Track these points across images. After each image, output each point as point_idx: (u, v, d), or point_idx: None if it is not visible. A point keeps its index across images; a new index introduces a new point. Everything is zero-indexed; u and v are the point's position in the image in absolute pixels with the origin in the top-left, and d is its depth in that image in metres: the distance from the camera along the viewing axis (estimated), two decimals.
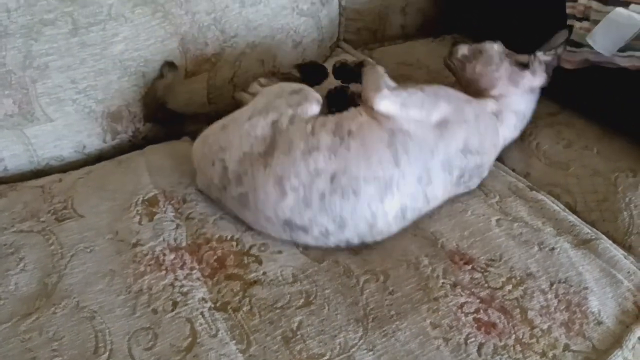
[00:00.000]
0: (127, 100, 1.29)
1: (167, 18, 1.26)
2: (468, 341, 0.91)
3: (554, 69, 1.23)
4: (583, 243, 1.06)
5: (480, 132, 1.09)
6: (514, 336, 0.92)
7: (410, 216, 1.05)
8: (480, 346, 0.91)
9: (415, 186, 1.03)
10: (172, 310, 0.94)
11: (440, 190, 1.06)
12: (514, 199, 1.13)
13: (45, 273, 1.00)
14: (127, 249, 1.03)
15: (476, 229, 1.07)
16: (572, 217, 1.11)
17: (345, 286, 0.98)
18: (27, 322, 0.93)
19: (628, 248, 1.08)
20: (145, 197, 1.12)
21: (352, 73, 1.22)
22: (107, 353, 0.89)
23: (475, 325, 0.93)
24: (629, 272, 1.02)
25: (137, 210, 1.09)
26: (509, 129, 1.19)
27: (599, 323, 0.95)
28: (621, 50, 1.18)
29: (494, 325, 0.93)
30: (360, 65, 1.19)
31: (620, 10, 1.17)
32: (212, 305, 0.95)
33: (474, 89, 1.20)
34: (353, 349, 0.90)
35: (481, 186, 1.15)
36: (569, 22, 1.26)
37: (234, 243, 1.05)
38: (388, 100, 1.06)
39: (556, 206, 1.12)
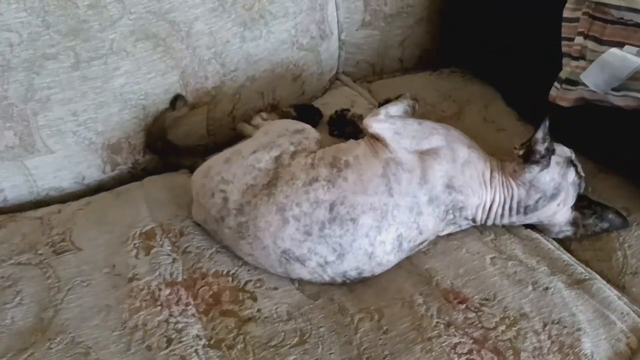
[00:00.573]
0: (127, 133, 1.30)
1: (168, 52, 1.27)
2: None
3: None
4: (577, 283, 1.06)
5: (465, 177, 1.08)
6: None
7: (406, 246, 1.06)
8: None
9: (408, 215, 1.04)
10: (167, 348, 0.95)
11: (430, 222, 1.06)
12: (509, 237, 1.14)
13: (41, 307, 1.01)
14: (124, 283, 1.04)
15: (471, 267, 1.08)
16: (566, 256, 1.11)
17: (339, 324, 0.99)
18: (23, 357, 0.94)
19: (622, 288, 1.08)
20: (143, 230, 1.13)
21: None
22: None
23: None
24: (622, 313, 1.02)
25: (135, 244, 1.10)
26: (498, 205, 1.12)
27: None
28: (615, 89, 1.19)
29: None
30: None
31: (614, 50, 1.19)
32: (207, 343, 0.96)
33: None
34: None
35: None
36: (564, 60, 1.28)
37: (230, 278, 1.05)
38: (381, 125, 1.10)
39: (550, 244, 1.13)
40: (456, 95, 1.52)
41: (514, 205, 1.10)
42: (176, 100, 1.31)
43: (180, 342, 0.95)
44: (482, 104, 1.47)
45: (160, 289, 1.03)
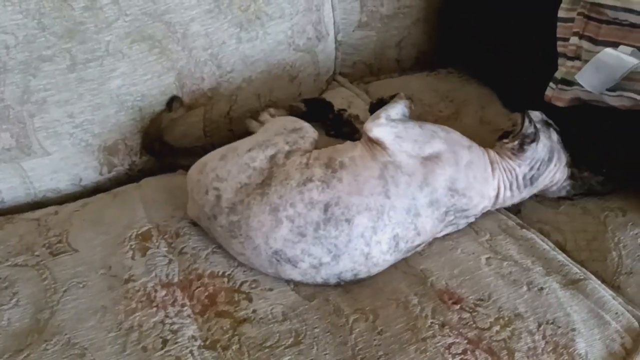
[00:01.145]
0: (124, 134, 1.31)
1: (164, 54, 1.28)
2: None
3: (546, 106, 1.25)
4: (572, 283, 1.06)
5: (469, 178, 1.09)
6: None
7: (403, 246, 1.06)
8: None
9: (405, 216, 1.04)
10: (162, 349, 0.95)
11: (428, 224, 1.07)
12: (504, 237, 1.14)
13: (38, 308, 1.01)
14: (120, 284, 1.04)
15: (466, 267, 1.08)
16: (562, 257, 1.11)
17: (334, 325, 0.99)
18: (19, 358, 0.94)
19: (617, 288, 1.08)
20: (139, 232, 1.13)
21: None
22: None
23: None
24: (616, 313, 1.02)
25: (131, 245, 1.11)
26: (505, 188, 1.15)
27: None
28: (611, 89, 1.19)
29: None
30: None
31: (609, 50, 1.19)
32: (202, 344, 0.96)
33: None
34: None
35: (472, 224, 1.15)
36: (560, 61, 1.28)
37: (226, 279, 1.06)
38: (382, 129, 1.10)
39: (546, 245, 1.13)
40: (453, 96, 1.53)
41: (521, 182, 1.14)
42: (172, 101, 1.31)
43: (176, 343, 0.96)
44: (479, 104, 1.48)
45: (156, 290, 1.03)
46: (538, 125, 1.16)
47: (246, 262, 1.07)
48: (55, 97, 1.21)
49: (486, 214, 1.17)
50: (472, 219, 1.14)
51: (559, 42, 1.28)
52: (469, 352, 0.95)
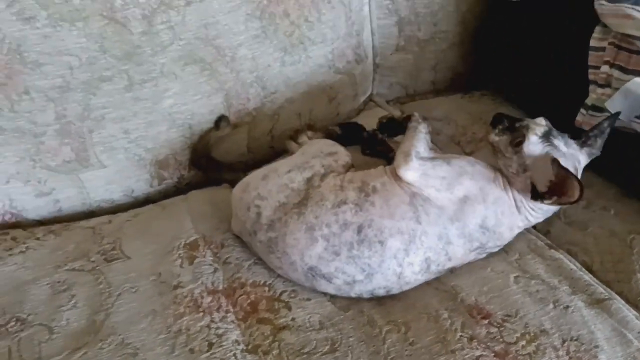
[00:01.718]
0: (174, 150, 1.39)
1: (213, 76, 1.35)
2: None
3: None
4: (597, 302, 1.10)
5: (497, 215, 1.12)
6: None
7: (434, 269, 1.11)
8: None
9: (437, 242, 1.09)
10: (208, 351, 1.01)
11: (460, 251, 1.11)
12: (533, 257, 1.18)
13: (94, 310, 1.08)
14: (169, 290, 1.10)
15: (495, 285, 1.12)
16: (588, 277, 1.15)
17: (368, 335, 1.04)
18: (77, 355, 1.00)
19: None
20: (187, 242, 1.20)
21: (398, 127, 1.30)
22: None
23: None
24: (639, 332, 1.06)
25: (179, 254, 1.17)
26: (529, 216, 1.16)
27: None
28: (639, 117, 1.24)
29: None
30: (407, 119, 1.25)
31: (638, 80, 1.23)
32: (245, 348, 1.02)
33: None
34: None
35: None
36: (591, 87, 1.32)
37: (267, 288, 1.12)
38: (414, 172, 1.12)
39: (573, 265, 1.17)
40: (487, 118, 1.52)
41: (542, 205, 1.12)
42: (220, 120, 1.39)
43: (221, 346, 1.01)
44: None
45: (202, 297, 1.09)
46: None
47: (284, 275, 1.13)
48: (113, 115, 1.29)
49: (517, 235, 1.20)
50: (502, 246, 1.17)
51: (590, 70, 1.33)
52: None
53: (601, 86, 1.31)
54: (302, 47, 1.45)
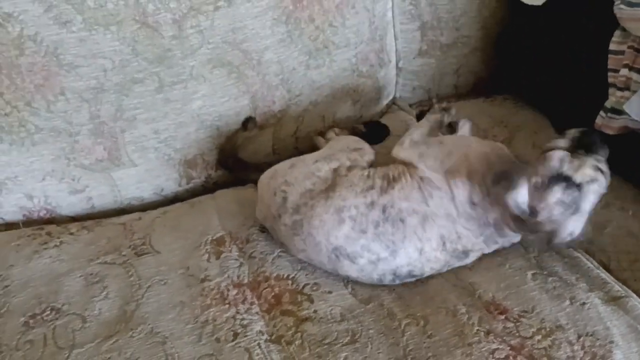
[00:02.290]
0: (202, 150, 1.43)
1: (240, 79, 1.40)
2: None
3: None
4: (613, 299, 1.11)
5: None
6: None
7: (449, 247, 1.14)
8: None
9: (446, 221, 1.13)
10: (233, 341, 1.04)
11: (464, 231, 1.13)
12: (551, 254, 1.20)
13: (125, 301, 1.12)
14: (196, 283, 1.14)
15: (512, 281, 1.15)
16: (605, 275, 1.16)
17: (388, 328, 1.07)
18: (108, 343, 1.05)
19: None
20: (214, 237, 1.24)
21: None
22: None
23: None
24: None
25: (207, 249, 1.22)
26: None
27: None
28: None
29: None
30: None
31: None
32: (268, 338, 1.05)
33: None
34: None
35: (522, 240, 1.21)
36: (610, 90, 1.34)
37: (290, 282, 1.15)
38: (407, 152, 1.21)
39: (590, 263, 1.18)
40: (507, 121, 1.59)
41: None
42: (248, 121, 1.43)
43: (245, 336, 1.05)
44: (532, 130, 1.54)
45: (228, 289, 1.13)
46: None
47: (306, 258, 1.17)
48: (144, 115, 1.34)
49: None
50: (514, 239, 1.19)
51: (609, 73, 1.34)
52: (511, 358, 1.01)
53: (620, 89, 1.32)
54: (327, 51, 1.49)
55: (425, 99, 1.78)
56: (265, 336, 1.06)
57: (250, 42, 1.38)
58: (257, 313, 1.10)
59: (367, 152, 1.27)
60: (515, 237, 1.18)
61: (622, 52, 1.32)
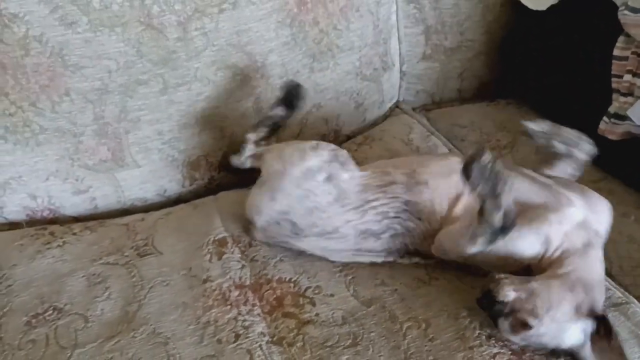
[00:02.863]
0: (206, 152, 1.43)
1: (244, 81, 1.40)
2: None
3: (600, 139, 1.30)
4: (614, 306, 1.11)
5: None
6: None
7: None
8: None
9: None
10: (235, 342, 1.05)
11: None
12: None
13: (127, 302, 1.12)
14: (198, 284, 1.15)
15: None
16: (606, 281, 1.16)
17: (389, 331, 1.07)
18: (110, 343, 1.05)
19: None
20: (216, 238, 1.24)
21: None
22: None
23: None
24: None
25: (209, 250, 1.22)
26: None
27: None
28: None
29: None
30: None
31: None
32: (270, 340, 1.06)
33: None
34: None
35: None
36: (614, 96, 1.34)
37: (292, 284, 1.15)
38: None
39: None
40: (511, 126, 1.59)
41: None
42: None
43: (247, 337, 1.05)
44: None
45: (230, 291, 1.13)
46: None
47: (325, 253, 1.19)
48: (148, 117, 1.34)
49: None
50: None
51: (613, 79, 1.35)
52: None
53: (624, 95, 1.33)
54: (331, 54, 1.50)
55: (429, 103, 1.78)
56: (267, 338, 1.06)
57: (254, 45, 1.39)
58: (258, 315, 1.10)
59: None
60: None
61: (625, 58, 1.33)
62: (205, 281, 1.15)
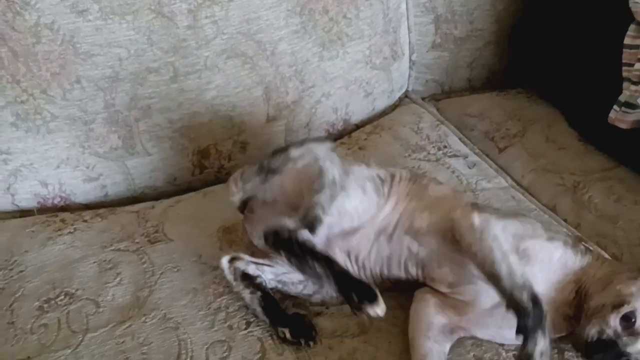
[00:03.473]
0: (216, 140, 1.44)
1: (254, 69, 1.40)
2: None
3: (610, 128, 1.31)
4: None
5: None
6: None
7: None
8: None
9: None
10: (245, 329, 1.05)
11: None
12: None
13: (138, 287, 1.13)
14: (209, 271, 1.15)
15: None
16: None
17: (398, 319, 1.07)
18: (122, 328, 1.06)
19: None
20: (226, 226, 1.25)
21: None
22: (188, 359, 1.01)
23: None
24: None
25: (219, 237, 1.22)
26: None
27: None
28: None
29: None
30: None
31: None
32: None
33: None
34: None
35: None
36: (624, 85, 1.34)
37: None
38: None
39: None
40: (521, 115, 1.60)
41: None
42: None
43: (258, 325, 1.05)
44: (546, 123, 1.54)
45: None
46: None
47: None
48: (158, 105, 1.35)
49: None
50: None
51: (624, 67, 1.34)
52: None
53: (634, 83, 1.32)
54: (340, 43, 1.50)
55: (439, 93, 1.78)
56: None
57: (264, 33, 1.39)
58: None
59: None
60: None
61: (636, 47, 1.32)
62: (215, 268, 1.15)
